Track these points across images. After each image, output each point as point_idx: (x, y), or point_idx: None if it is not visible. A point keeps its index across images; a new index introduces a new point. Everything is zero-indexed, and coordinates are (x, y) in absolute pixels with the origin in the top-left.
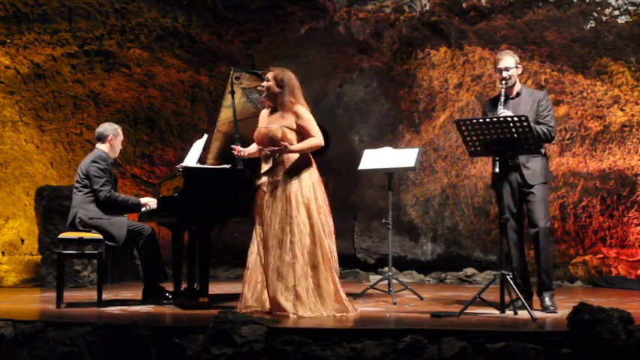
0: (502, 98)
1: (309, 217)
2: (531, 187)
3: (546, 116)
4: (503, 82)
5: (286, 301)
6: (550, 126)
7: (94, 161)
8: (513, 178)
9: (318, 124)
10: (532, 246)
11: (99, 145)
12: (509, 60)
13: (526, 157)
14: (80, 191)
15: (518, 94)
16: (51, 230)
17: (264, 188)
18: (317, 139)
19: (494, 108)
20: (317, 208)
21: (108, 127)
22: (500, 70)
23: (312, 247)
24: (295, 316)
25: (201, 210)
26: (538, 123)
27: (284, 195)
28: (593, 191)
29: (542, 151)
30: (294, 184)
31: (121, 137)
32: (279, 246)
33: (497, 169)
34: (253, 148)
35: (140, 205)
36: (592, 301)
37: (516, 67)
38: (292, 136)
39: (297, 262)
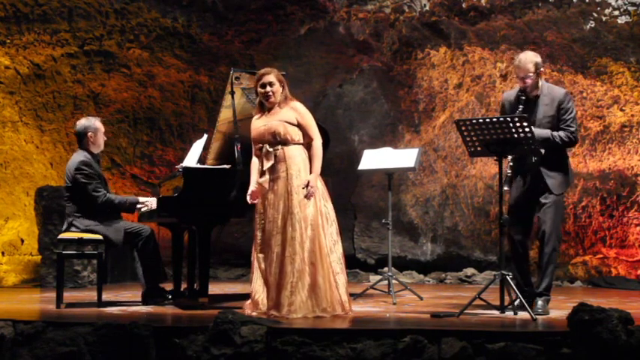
0: (521, 108)
1: (310, 213)
2: (551, 194)
3: (567, 120)
4: (523, 92)
5: (283, 298)
6: (571, 131)
7: (77, 169)
8: (529, 178)
9: (318, 125)
10: (534, 247)
11: (80, 148)
12: (529, 66)
13: (548, 165)
14: (70, 200)
15: (537, 97)
16: (51, 230)
17: (266, 186)
18: (318, 142)
19: (514, 110)
20: (318, 204)
21: (86, 125)
22: (521, 79)
23: (312, 244)
24: (287, 319)
25: (201, 210)
26: (559, 128)
27: (285, 191)
28: (592, 191)
29: (568, 154)
30: (296, 180)
31: (101, 130)
32: (282, 242)
33: (506, 187)
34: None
35: (138, 204)
36: (592, 301)
37: (536, 73)
38: (294, 130)
39: (296, 257)
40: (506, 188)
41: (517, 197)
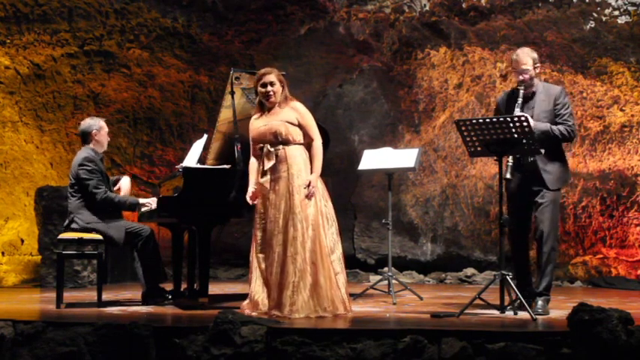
0: (520, 100)
1: (311, 212)
2: (548, 190)
3: (564, 115)
4: (521, 85)
5: (284, 298)
6: (569, 125)
7: (81, 165)
8: (527, 178)
9: (318, 125)
10: (533, 247)
11: (84, 145)
12: (527, 60)
13: (544, 159)
14: (74, 196)
15: (534, 93)
16: (51, 230)
17: (267, 186)
18: (318, 142)
19: (511, 106)
20: (318, 204)
21: (90, 124)
22: (519, 72)
23: (313, 244)
24: (289, 319)
25: (201, 210)
26: (556, 123)
27: (287, 191)
28: (592, 191)
29: (566, 151)
30: (297, 180)
31: (105, 129)
32: (284, 242)
33: (508, 175)
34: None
35: (139, 205)
36: (592, 301)
37: (534, 68)
38: (295, 130)
39: (298, 257)
40: (508, 176)
41: (515, 196)
